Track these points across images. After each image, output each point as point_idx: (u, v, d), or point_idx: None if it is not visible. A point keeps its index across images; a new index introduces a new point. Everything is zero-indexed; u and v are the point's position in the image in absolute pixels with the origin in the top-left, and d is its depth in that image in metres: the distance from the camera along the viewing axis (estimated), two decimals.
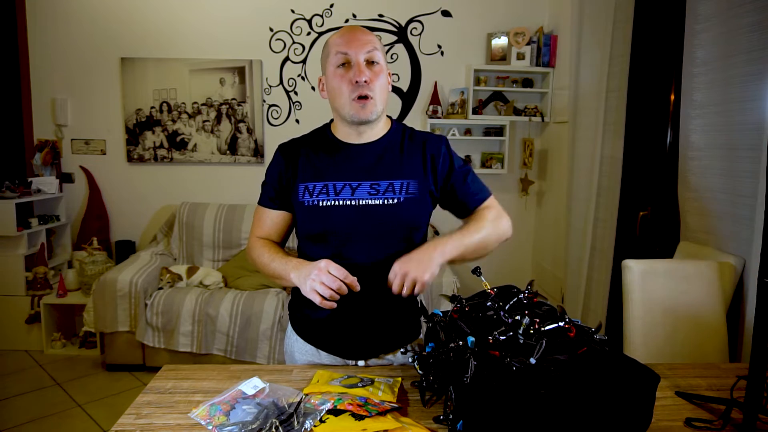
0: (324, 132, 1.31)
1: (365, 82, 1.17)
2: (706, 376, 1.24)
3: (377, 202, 1.21)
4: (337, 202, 1.21)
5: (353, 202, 1.21)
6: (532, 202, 3.90)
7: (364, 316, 1.26)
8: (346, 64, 1.19)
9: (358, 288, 1.11)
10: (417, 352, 1.12)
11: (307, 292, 1.11)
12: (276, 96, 3.71)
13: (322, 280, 1.09)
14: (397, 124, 1.32)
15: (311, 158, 1.26)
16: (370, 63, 1.19)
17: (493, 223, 1.26)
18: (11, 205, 3.18)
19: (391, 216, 1.21)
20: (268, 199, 1.30)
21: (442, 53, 3.72)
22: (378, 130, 1.27)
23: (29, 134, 3.65)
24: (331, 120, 1.32)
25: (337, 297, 1.10)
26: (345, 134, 1.27)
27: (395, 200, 1.22)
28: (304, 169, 1.25)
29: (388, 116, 1.32)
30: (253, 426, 0.93)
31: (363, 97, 1.18)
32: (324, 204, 1.21)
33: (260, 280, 3.17)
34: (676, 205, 2.19)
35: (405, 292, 1.11)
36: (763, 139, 1.71)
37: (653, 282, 1.75)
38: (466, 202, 1.30)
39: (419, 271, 1.10)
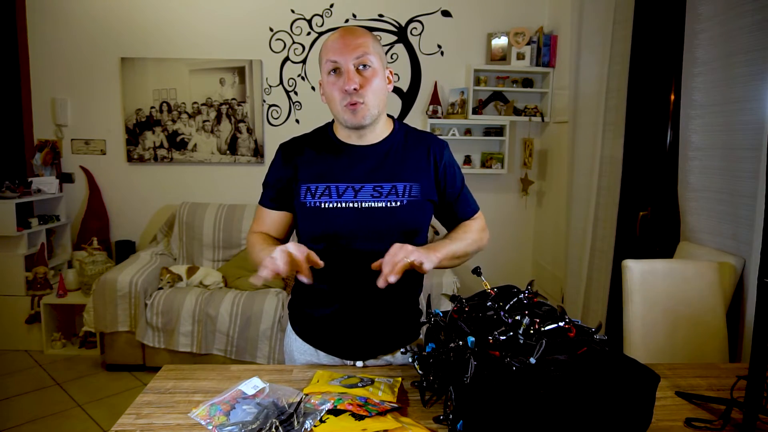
0: (326, 132, 1.30)
1: (354, 89, 1.15)
2: (706, 376, 1.24)
3: (380, 204, 1.21)
4: (339, 205, 1.20)
5: (356, 205, 1.20)
6: (532, 202, 3.90)
7: (364, 317, 1.26)
8: (337, 71, 1.18)
9: (321, 264, 1.09)
10: (417, 352, 1.12)
11: (259, 270, 1.04)
12: (276, 96, 3.71)
13: (274, 255, 1.03)
14: (399, 125, 1.31)
15: (313, 158, 1.25)
16: (362, 67, 1.18)
17: (479, 234, 1.33)
18: (11, 205, 3.18)
19: (393, 219, 1.21)
20: (268, 200, 1.30)
21: (442, 53, 3.72)
22: (379, 132, 1.26)
23: (29, 134, 3.65)
24: (333, 120, 1.32)
25: (280, 269, 1.02)
26: (346, 136, 1.26)
27: (398, 203, 1.22)
28: (305, 169, 1.25)
29: (389, 116, 1.31)
30: (253, 426, 0.93)
31: (353, 104, 1.17)
32: (326, 206, 1.21)
33: None
34: (676, 205, 2.19)
35: (395, 271, 1.06)
36: (763, 139, 1.71)
37: (653, 282, 1.75)
38: (461, 215, 1.35)
39: (425, 260, 1.09)
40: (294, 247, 1.07)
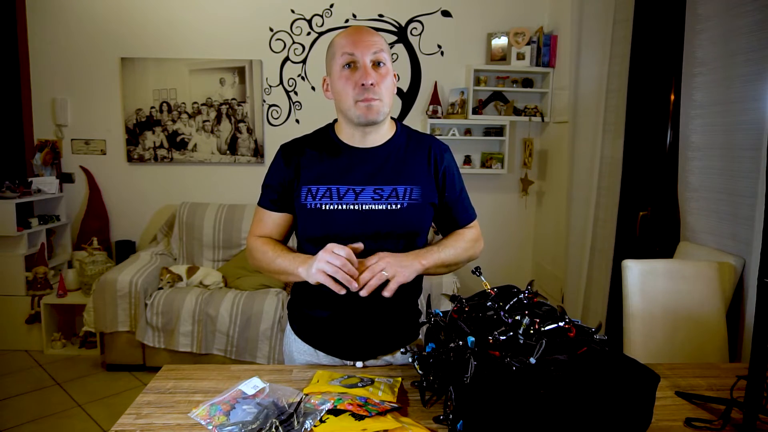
0: (327, 133, 1.29)
1: (371, 84, 1.15)
2: (706, 376, 1.24)
3: (380, 207, 1.21)
4: (340, 207, 1.20)
5: (356, 207, 1.20)
6: (532, 202, 3.90)
7: (363, 318, 1.25)
8: (351, 65, 1.18)
9: (362, 247, 1.14)
10: (417, 352, 1.12)
11: (315, 275, 1.11)
12: (276, 96, 3.71)
13: (327, 259, 1.10)
14: (401, 127, 1.31)
15: (314, 160, 1.25)
16: (377, 64, 1.18)
17: (472, 243, 1.33)
18: (11, 205, 3.18)
19: (393, 221, 1.21)
20: (269, 201, 1.29)
21: (442, 53, 3.72)
22: (383, 133, 1.26)
23: (29, 134, 3.65)
24: (335, 120, 1.31)
25: (342, 276, 1.09)
26: (349, 136, 1.25)
27: (398, 206, 1.21)
28: (307, 170, 1.24)
29: (392, 118, 1.31)
30: (253, 426, 0.93)
31: (369, 100, 1.16)
32: (327, 208, 1.21)
33: (260, 280, 3.17)
34: (676, 205, 2.19)
35: (373, 282, 1.11)
36: (763, 139, 1.71)
37: (653, 282, 1.76)
38: (458, 221, 1.34)
39: (398, 274, 1.13)
40: (339, 247, 1.11)
